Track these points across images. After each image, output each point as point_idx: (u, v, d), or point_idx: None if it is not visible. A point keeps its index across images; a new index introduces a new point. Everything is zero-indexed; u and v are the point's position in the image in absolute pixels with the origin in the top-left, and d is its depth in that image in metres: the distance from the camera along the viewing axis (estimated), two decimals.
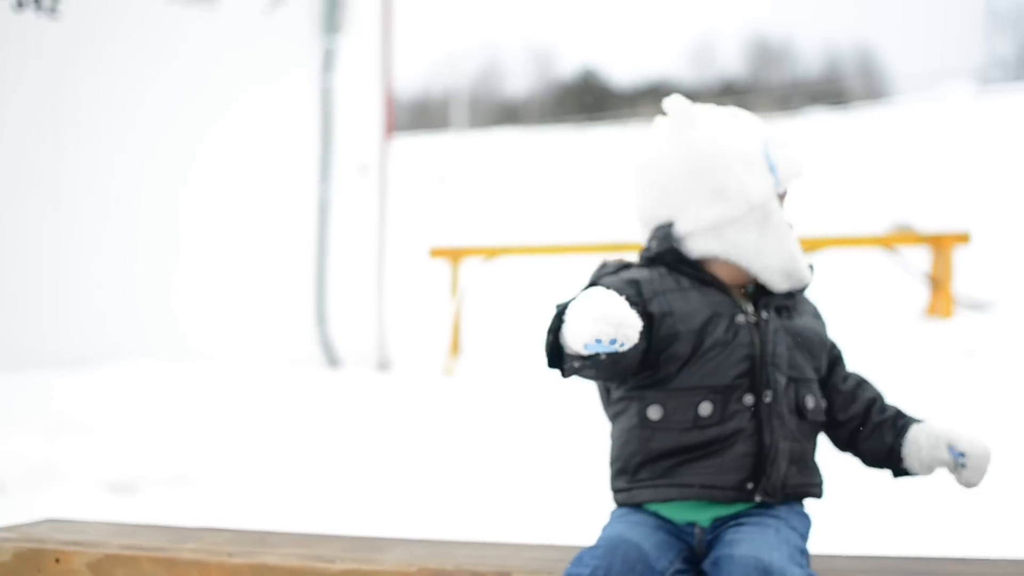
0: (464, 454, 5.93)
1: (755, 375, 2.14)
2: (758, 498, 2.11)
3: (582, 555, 1.97)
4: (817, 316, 2.36)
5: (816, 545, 2.18)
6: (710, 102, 2.43)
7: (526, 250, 10.40)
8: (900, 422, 2.28)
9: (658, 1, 59.76)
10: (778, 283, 2.24)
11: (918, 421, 2.26)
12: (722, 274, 2.24)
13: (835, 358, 2.36)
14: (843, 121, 25.14)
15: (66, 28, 6.47)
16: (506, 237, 14.85)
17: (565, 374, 1.98)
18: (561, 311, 1.91)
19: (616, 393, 2.24)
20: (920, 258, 10.82)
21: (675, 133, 2.29)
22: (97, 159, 8.02)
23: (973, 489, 2.19)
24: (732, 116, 2.33)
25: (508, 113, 41.90)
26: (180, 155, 8.42)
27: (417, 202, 19.79)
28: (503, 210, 19.63)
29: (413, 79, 45.81)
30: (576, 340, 1.80)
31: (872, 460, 2.31)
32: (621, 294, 1.85)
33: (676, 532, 2.11)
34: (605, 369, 1.98)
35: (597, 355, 1.86)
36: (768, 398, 2.13)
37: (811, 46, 59.16)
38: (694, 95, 2.46)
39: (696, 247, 2.24)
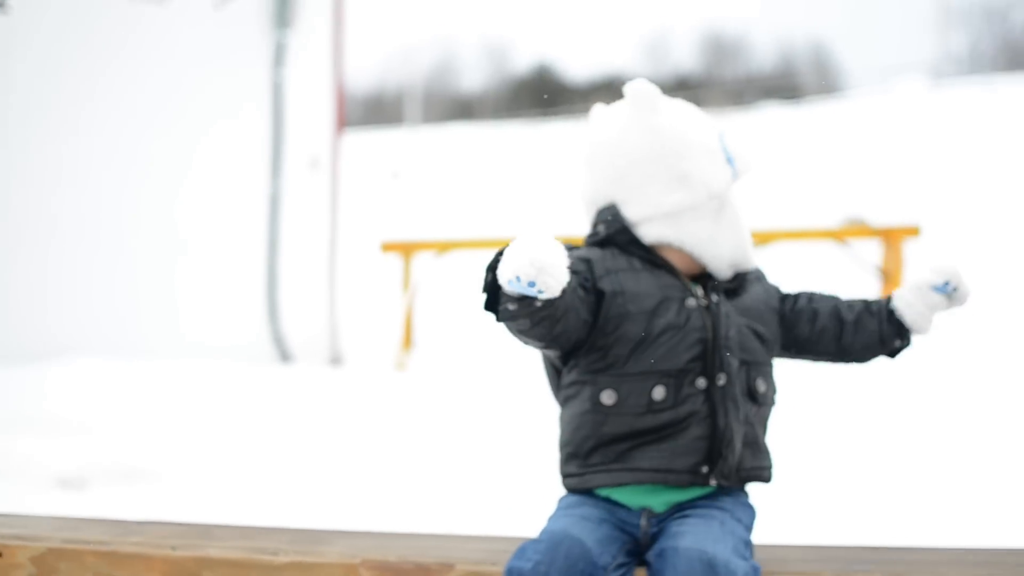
0: (415, 448, 5.93)
1: (708, 358, 2.14)
2: (713, 482, 2.12)
3: (524, 547, 1.96)
4: (760, 278, 2.37)
5: (760, 534, 2.19)
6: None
7: (479, 244, 10.37)
8: (874, 307, 2.31)
9: None
10: (724, 272, 2.26)
11: (887, 298, 2.30)
12: (672, 260, 2.25)
13: (781, 297, 2.38)
14: (796, 115, 25.28)
15: (14, 22, 6.40)
16: (459, 232, 14.82)
17: (499, 317, 1.90)
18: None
19: (567, 377, 2.23)
20: (871, 251, 10.90)
21: (637, 117, 2.29)
22: (45, 154, 7.93)
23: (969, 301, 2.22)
24: (688, 106, 2.35)
25: (462, 108, 41.90)
26: (130, 150, 8.35)
27: (370, 197, 19.74)
28: (456, 205, 19.60)
29: (367, 73, 45.82)
30: (501, 274, 1.75)
31: (867, 353, 2.32)
32: (572, 271, 1.83)
33: (621, 524, 2.11)
34: (538, 323, 1.90)
35: (526, 301, 1.82)
36: (721, 381, 2.14)
37: (765, 41, 59.50)
38: None
39: (649, 233, 2.24)
